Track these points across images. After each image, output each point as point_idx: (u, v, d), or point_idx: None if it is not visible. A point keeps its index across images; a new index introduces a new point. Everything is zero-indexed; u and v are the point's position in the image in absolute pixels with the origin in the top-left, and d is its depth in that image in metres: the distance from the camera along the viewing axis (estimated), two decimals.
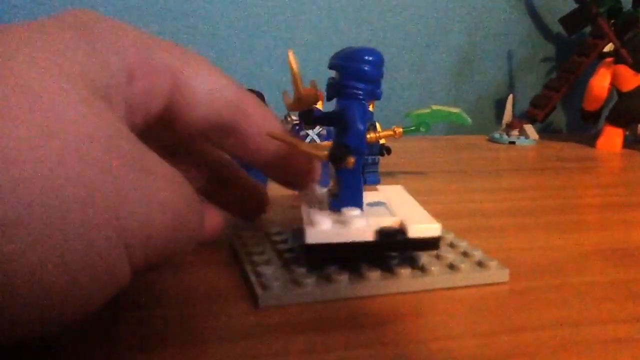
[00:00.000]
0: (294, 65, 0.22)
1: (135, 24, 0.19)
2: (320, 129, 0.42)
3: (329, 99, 0.23)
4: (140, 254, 0.15)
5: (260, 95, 0.45)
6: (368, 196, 0.25)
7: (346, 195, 0.23)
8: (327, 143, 0.24)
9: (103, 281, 0.14)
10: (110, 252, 0.14)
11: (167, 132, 0.23)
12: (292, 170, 0.26)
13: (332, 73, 0.23)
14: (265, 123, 0.23)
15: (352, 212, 0.22)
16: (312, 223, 0.21)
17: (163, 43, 0.20)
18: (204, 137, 0.23)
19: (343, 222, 0.21)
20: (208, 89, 0.21)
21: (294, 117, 0.42)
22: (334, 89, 0.23)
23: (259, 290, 0.20)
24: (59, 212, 0.13)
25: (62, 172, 0.13)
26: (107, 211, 0.14)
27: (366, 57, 0.22)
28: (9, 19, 0.66)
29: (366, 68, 0.22)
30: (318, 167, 0.27)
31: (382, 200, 0.25)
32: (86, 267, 0.14)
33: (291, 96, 0.23)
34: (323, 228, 0.21)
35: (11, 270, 0.12)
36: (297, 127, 0.42)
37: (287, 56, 0.22)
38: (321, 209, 0.23)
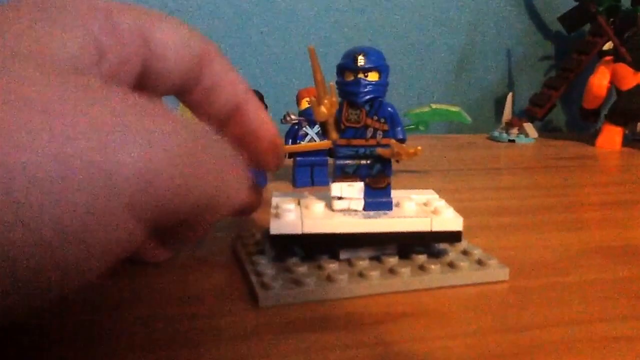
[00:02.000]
0: (318, 66, 0.22)
1: None
2: (319, 128, 0.42)
3: (363, 101, 0.23)
4: (146, 209, 0.14)
5: (259, 95, 0.45)
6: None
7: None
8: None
9: (105, 241, 0.14)
10: (109, 211, 0.13)
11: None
12: (250, 141, 0.24)
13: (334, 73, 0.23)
14: (223, 78, 0.23)
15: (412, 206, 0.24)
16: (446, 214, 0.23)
17: (127, 6, 0.20)
18: (175, 93, 0.23)
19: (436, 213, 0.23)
20: (175, 47, 0.21)
21: (293, 117, 0.42)
22: (377, 90, 0.23)
23: (259, 290, 0.20)
24: (44, 177, 0.12)
25: (61, 144, 0.13)
26: (97, 168, 0.13)
27: None
28: None
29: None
30: (279, 148, 0.25)
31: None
32: (91, 227, 0.13)
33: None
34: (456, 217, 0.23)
35: (8, 240, 0.12)
36: (296, 127, 0.42)
37: (309, 54, 0.22)
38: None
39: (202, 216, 0.18)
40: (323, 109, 0.23)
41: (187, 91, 0.23)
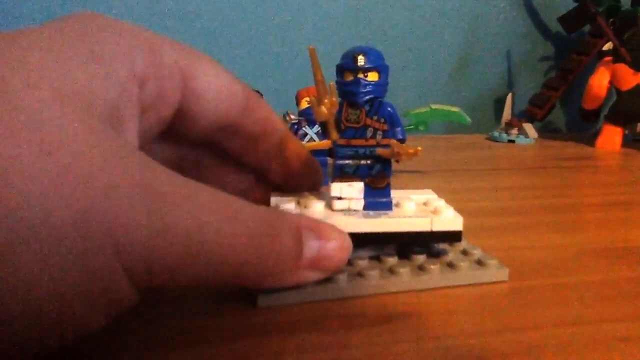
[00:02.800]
0: (318, 65, 0.22)
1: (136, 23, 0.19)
2: (319, 128, 0.42)
3: (362, 101, 0.23)
4: (145, 277, 0.15)
5: (258, 94, 0.45)
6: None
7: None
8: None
9: (101, 302, 0.14)
10: (107, 273, 0.14)
11: (178, 140, 0.22)
12: (297, 170, 0.25)
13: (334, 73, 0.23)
14: (268, 122, 0.23)
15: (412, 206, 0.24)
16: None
17: (171, 42, 0.20)
18: (212, 139, 0.23)
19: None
20: (216, 89, 0.21)
21: (292, 117, 0.42)
22: (377, 90, 0.23)
23: (258, 290, 0.20)
24: (51, 233, 0.12)
25: (55, 192, 0.13)
26: (104, 233, 0.13)
27: None
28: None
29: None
30: (320, 169, 0.26)
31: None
32: (81, 289, 0.13)
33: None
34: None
35: None
36: (296, 127, 0.42)
37: (309, 53, 0.22)
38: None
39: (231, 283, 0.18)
40: (323, 108, 0.22)
41: (229, 137, 0.23)
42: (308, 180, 0.26)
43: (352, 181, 0.23)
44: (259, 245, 0.17)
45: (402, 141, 0.23)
